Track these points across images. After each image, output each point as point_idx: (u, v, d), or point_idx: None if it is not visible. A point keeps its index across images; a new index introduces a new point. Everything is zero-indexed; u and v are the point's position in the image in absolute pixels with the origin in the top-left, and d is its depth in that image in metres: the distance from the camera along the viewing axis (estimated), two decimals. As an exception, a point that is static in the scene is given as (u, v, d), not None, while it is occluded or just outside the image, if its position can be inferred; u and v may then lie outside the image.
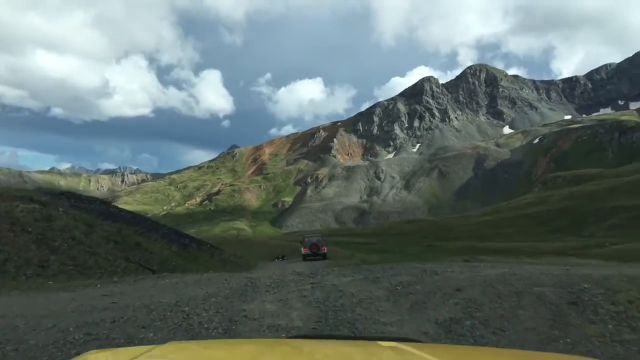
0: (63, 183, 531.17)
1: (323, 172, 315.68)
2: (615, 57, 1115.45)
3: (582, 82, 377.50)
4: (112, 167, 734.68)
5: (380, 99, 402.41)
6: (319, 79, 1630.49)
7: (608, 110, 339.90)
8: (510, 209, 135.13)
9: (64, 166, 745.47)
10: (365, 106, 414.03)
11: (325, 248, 34.81)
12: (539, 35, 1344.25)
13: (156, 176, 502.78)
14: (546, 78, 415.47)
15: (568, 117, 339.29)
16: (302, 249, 35.44)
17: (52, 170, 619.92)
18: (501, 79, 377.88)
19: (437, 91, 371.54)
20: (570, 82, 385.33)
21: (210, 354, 2.54)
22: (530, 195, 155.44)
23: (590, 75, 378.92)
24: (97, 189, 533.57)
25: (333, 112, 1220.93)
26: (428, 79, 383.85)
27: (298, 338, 3.15)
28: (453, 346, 4.03)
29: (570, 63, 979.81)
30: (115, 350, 2.80)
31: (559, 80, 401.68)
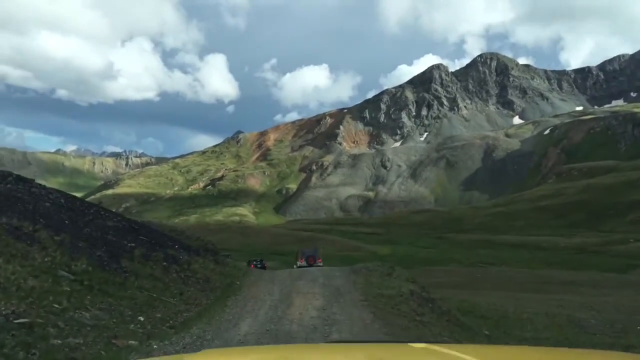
0: (68, 164, 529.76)
1: (328, 159, 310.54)
2: (624, 48, 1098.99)
3: (594, 72, 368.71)
4: (117, 150, 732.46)
5: (386, 87, 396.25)
6: (324, 66, 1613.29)
7: (620, 101, 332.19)
8: (523, 201, 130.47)
9: (70, 148, 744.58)
10: (371, 94, 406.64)
11: (321, 260, 34.73)
12: (545, 25, 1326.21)
13: (161, 160, 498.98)
14: (555, 69, 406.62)
15: (580, 108, 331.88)
16: (297, 260, 35.65)
17: (57, 152, 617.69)
18: (512, 68, 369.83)
19: (446, 79, 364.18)
20: (583, 73, 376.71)
21: None
22: (544, 187, 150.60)
23: (602, 66, 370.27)
24: (102, 172, 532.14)
25: (338, 100, 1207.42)
26: (437, 67, 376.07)
27: (332, 343, 3.14)
28: (483, 346, 3.96)
29: (579, 54, 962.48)
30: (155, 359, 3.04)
31: (570, 70, 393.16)
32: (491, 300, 20.42)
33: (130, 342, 8.56)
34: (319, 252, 36.72)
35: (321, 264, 34.36)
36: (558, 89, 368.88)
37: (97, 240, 14.33)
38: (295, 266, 35.04)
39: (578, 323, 15.93)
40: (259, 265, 48.71)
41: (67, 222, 13.98)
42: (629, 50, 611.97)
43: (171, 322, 11.00)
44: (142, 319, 10.34)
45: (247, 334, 10.32)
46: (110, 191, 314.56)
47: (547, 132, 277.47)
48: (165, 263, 15.73)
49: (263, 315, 12.50)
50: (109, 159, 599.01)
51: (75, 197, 17.72)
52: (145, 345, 8.78)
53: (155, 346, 8.88)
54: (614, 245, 73.27)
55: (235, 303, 14.35)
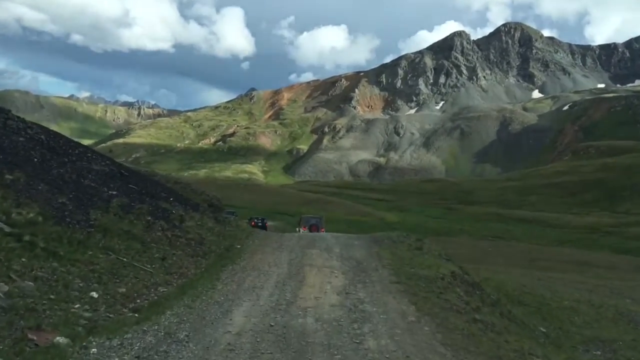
0: (80, 110, 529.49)
1: (341, 122, 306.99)
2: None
3: (620, 49, 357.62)
4: (130, 99, 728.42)
5: (404, 52, 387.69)
6: (343, 27, 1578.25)
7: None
8: (537, 176, 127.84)
9: (84, 95, 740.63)
10: (388, 59, 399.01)
11: (324, 230, 32.90)
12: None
13: (173, 112, 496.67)
14: (580, 44, 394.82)
15: (602, 85, 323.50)
16: (299, 228, 34.42)
17: (70, 98, 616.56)
18: (536, 40, 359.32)
19: (467, 47, 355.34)
20: (608, 49, 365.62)
21: None
22: (560, 163, 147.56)
23: (629, 44, 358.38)
24: (114, 120, 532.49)
25: (354, 63, 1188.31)
26: (459, 34, 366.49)
27: None
28: None
29: (604, 30, 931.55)
30: None
31: (595, 46, 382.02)
32: (516, 279, 18.60)
33: (58, 338, 5.93)
34: (322, 221, 35.17)
35: (324, 233, 32.48)
36: (581, 64, 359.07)
37: (68, 185, 11.90)
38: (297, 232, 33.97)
39: (630, 317, 14.18)
40: (259, 224, 47.14)
41: (35, 159, 11.91)
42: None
43: (138, 301, 8.51)
44: (95, 295, 7.88)
45: (242, 332, 7.57)
46: (121, 140, 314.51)
47: (566, 108, 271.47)
48: (149, 218, 13.11)
49: (266, 297, 9.91)
50: (121, 107, 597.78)
51: (60, 135, 15.62)
52: (79, 346, 6.07)
53: (94, 350, 6.11)
54: (629, 227, 71.22)
55: (232, 275, 11.77)
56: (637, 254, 52.95)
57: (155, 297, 8.96)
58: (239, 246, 16.16)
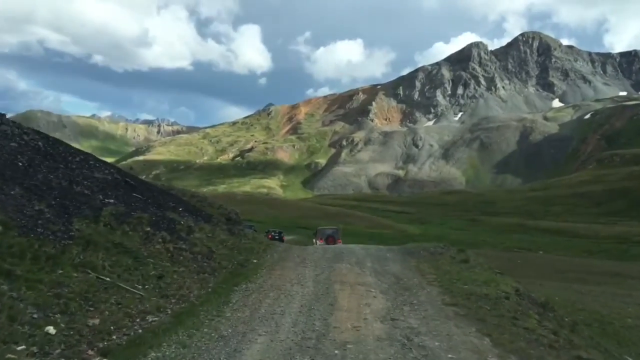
0: (101, 129, 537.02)
1: (359, 135, 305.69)
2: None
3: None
4: (150, 118, 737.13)
5: (420, 65, 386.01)
6: (359, 41, 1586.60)
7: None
8: (561, 186, 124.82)
9: (105, 114, 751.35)
10: (405, 72, 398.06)
11: (341, 241, 32.49)
12: (590, 6, 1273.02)
13: (192, 129, 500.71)
14: (600, 52, 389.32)
15: (623, 93, 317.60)
16: (315, 240, 33.67)
17: (92, 117, 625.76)
18: (555, 49, 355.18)
19: (485, 58, 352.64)
20: (629, 57, 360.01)
21: None
22: (584, 172, 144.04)
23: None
24: (134, 138, 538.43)
25: (371, 76, 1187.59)
26: (476, 45, 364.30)
27: None
28: None
29: (623, 37, 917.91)
30: None
31: (616, 54, 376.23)
32: (560, 294, 16.95)
33: None
34: (339, 232, 34.67)
35: (340, 244, 32.05)
36: (602, 72, 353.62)
37: (53, 191, 10.25)
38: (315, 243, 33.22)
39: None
40: (276, 237, 45.97)
41: (21, 164, 10.56)
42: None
43: (114, 337, 6.52)
44: (52, 330, 5.96)
45: None
46: (141, 157, 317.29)
47: (587, 116, 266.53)
48: (149, 228, 11.37)
49: (289, 328, 7.78)
50: (141, 125, 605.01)
51: (60, 142, 14.38)
52: None
53: None
54: (661, 237, 68.32)
55: (245, 298, 9.79)
56: (671, 265, 50.48)
57: (140, 331, 6.96)
58: (255, 260, 14.43)
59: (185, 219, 14.54)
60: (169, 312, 7.99)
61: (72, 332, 6.21)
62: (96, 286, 7.64)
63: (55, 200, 9.76)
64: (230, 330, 7.57)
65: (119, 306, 7.45)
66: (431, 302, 9.97)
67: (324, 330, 7.69)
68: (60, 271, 7.45)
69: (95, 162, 14.58)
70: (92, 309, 6.99)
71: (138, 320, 7.27)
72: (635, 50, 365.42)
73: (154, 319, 7.50)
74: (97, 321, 6.68)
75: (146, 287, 8.69)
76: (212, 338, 7.16)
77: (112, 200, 11.53)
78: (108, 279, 8.04)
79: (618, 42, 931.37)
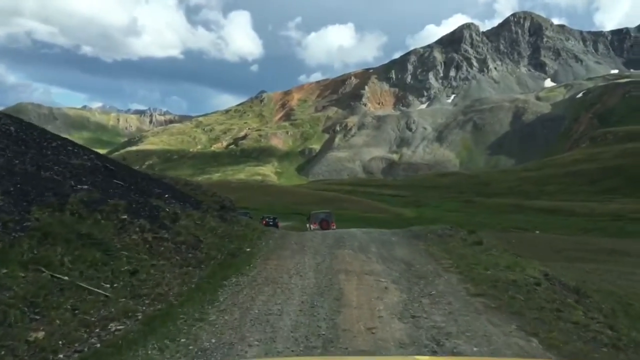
0: (93, 120, 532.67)
1: (352, 120, 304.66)
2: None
3: (632, 34, 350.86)
4: (142, 107, 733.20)
5: (412, 48, 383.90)
6: (350, 25, 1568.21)
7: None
8: (555, 166, 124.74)
9: (96, 105, 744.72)
10: (396, 55, 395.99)
11: (335, 224, 32.62)
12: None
13: (184, 118, 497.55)
14: (591, 30, 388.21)
15: (615, 71, 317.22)
16: (309, 224, 33.58)
17: (83, 108, 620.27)
18: (546, 29, 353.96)
19: (476, 39, 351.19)
20: (620, 35, 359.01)
21: None
22: (577, 151, 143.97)
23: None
24: (126, 128, 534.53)
25: (362, 60, 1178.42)
26: (468, 26, 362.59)
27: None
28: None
29: (614, 16, 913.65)
30: None
31: (607, 32, 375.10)
32: (566, 274, 16.28)
33: None
34: (332, 215, 34.73)
35: (335, 228, 31.86)
36: (593, 51, 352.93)
37: (13, 176, 9.01)
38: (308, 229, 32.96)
39: None
40: (270, 222, 45.32)
41: None
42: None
43: (60, 356, 5.10)
44: None
45: None
46: (134, 148, 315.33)
47: (579, 95, 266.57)
48: (125, 216, 9.91)
49: (288, 333, 6.40)
50: (133, 115, 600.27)
51: (35, 126, 13.39)
52: None
53: None
54: (657, 214, 68.21)
55: (234, 295, 8.35)
56: (667, 240, 50.28)
57: (97, 345, 5.50)
58: (248, 249, 12.98)
59: (171, 206, 13.25)
60: (140, 316, 6.56)
61: (2, 352, 4.79)
62: (48, 287, 6.21)
63: (15, 186, 8.53)
64: (214, 341, 6.01)
65: (75, 312, 6.02)
66: (453, 292, 8.64)
67: (331, 335, 6.29)
68: (5, 270, 6.11)
69: (74, 148, 13.68)
70: (37, 317, 5.60)
71: (97, 330, 5.86)
72: (626, 28, 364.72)
73: (119, 327, 6.08)
74: (41, 334, 5.27)
75: (115, 285, 7.29)
76: (190, 352, 5.63)
77: (85, 187, 10.12)
78: (66, 277, 6.60)
79: (608, 21, 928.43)
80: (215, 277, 9.47)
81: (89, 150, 14.87)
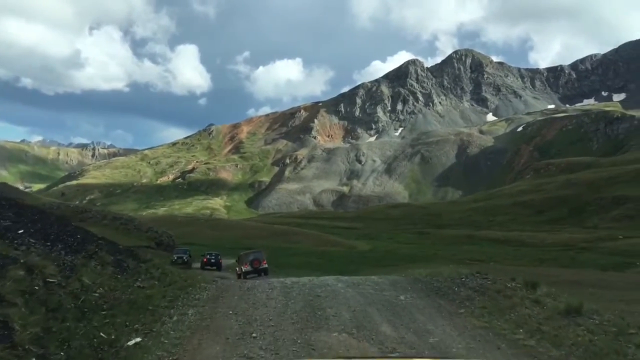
0: (31, 154, 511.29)
1: (302, 153, 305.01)
2: (590, 49, 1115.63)
3: (566, 71, 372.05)
4: (85, 141, 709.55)
5: (359, 82, 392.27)
6: (298, 60, 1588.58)
7: (591, 101, 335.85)
8: (503, 196, 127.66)
9: (36, 139, 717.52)
10: (344, 89, 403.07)
11: (266, 262, 31.77)
12: (514, 25, 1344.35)
13: (129, 152, 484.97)
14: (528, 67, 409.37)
15: (551, 106, 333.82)
16: (241, 266, 31.30)
17: (22, 142, 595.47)
18: (486, 65, 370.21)
19: (421, 75, 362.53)
20: (555, 72, 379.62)
21: None
22: (523, 182, 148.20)
23: (575, 66, 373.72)
24: (67, 162, 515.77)
25: (311, 94, 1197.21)
26: (413, 62, 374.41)
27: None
28: None
29: (547, 54, 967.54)
30: None
31: (543, 69, 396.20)
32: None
33: None
34: (262, 254, 33.10)
35: (266, 266, 31.39)
36: (531, 87, 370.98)
37: None
38: (239, 276, 30.57)
39: None
40: (212, 260, 41.46)
41: None
42: (595, 50, 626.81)
43: None
44: None
45: None
46: (74, 182, 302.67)
47: (520, 129, 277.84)
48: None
49: None
50: (74, 149, 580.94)
51: None
52: None
53: None
54: (603, 242, 70.05)
55: None
56: (620, 269, 51.21)
57: None
58: (134, 341, 7.06)
59: (21, 249, 8.26)
60: None
61: None
62: None
63: None
64: None
65: None
66: None
67: None
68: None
69: None
70: None
71: None
72: (560, 65, 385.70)
73: None
74: None
75: None
76: None
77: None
78: None
79: (542, 59, 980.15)
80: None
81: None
